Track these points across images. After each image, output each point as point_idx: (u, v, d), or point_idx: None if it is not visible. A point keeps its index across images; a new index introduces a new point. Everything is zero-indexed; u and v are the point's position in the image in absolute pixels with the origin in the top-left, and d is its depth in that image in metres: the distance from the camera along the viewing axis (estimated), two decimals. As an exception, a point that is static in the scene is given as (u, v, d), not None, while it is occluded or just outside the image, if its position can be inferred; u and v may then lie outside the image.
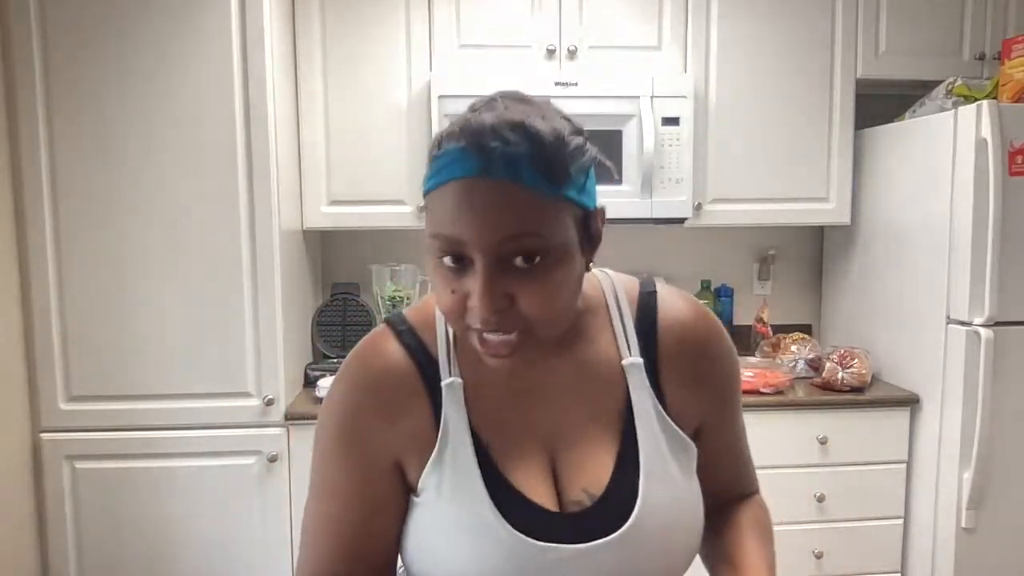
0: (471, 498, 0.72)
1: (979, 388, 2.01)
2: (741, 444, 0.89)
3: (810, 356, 2.44)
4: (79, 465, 2.03)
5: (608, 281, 0.83)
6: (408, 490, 0.77)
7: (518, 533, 0.71)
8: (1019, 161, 1.99)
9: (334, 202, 2.31)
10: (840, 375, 2.28)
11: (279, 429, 2.07)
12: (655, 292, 0.83)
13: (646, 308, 0.81)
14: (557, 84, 2.24)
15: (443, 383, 0.76)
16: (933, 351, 2.16)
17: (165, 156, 1.96)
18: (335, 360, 2.38)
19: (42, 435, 2.01)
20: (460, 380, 0.76)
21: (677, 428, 0.77)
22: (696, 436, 0.80)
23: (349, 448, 0.77)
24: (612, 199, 2.24)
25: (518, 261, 0.65)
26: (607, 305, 0.81)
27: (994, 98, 2.09)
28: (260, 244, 2.01)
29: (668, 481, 0.75)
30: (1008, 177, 1.98)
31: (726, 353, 0.83)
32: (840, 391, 2.27)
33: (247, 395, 2.04)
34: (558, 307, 0.69)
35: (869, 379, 2.30)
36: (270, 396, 2.04)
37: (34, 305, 1.97)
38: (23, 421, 1.99)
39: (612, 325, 0.80)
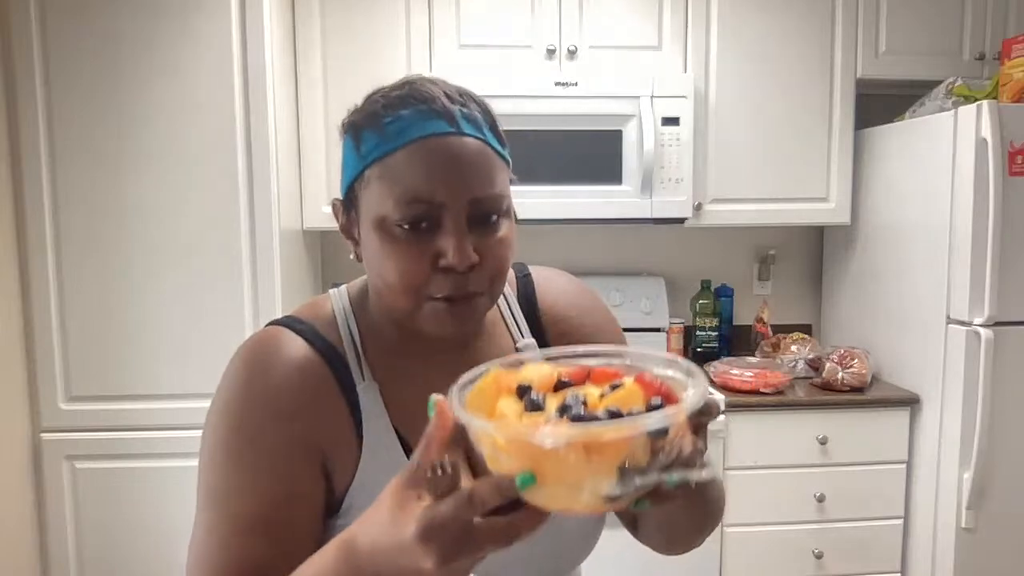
0: None
1: (979, 388, 2.01)
2: None
3: (810, 356, 2.43)
4: (79, 465, 2.03)
5: None
6: (326, 503, 0.70)
7: None
8: (1019, 161, 1.99)
9: (334, 202, 2.31)
10: (840, 375, 2.28)
11: (279, 429, 2.06)
12: (529, 274, 0.85)
13: (526, 291, 0.83)
14: (557, 84, 2.23)
15: (359, 387, 0.72)
16: (933, 351, 2.16)
17: (165, 156, 1.96)
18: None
19: (42, 435, 2.01)
20: (375, 383, 0.73)
21: None
22: None
23: (251, 445, 0.68)
24: (612, 199, 2.27)
25: (491, 219, 0.66)
26: None
27: (994, 98, 2.09)
28: (260, 244, 2.01)
29: None
30: (1008, 177, 1.98)
31: (604, 309, 0.86)
32: (840, 391, 2.27)
33: (247, 395, 2.04)
34: (507, 268, 0.70)
35: (869, 379, 2.30)
36: (270, 396, 2.04)
37: (34, 305, 1.97)
38: (23, 421, 1.99)
39: (501, 313, 0.81)
